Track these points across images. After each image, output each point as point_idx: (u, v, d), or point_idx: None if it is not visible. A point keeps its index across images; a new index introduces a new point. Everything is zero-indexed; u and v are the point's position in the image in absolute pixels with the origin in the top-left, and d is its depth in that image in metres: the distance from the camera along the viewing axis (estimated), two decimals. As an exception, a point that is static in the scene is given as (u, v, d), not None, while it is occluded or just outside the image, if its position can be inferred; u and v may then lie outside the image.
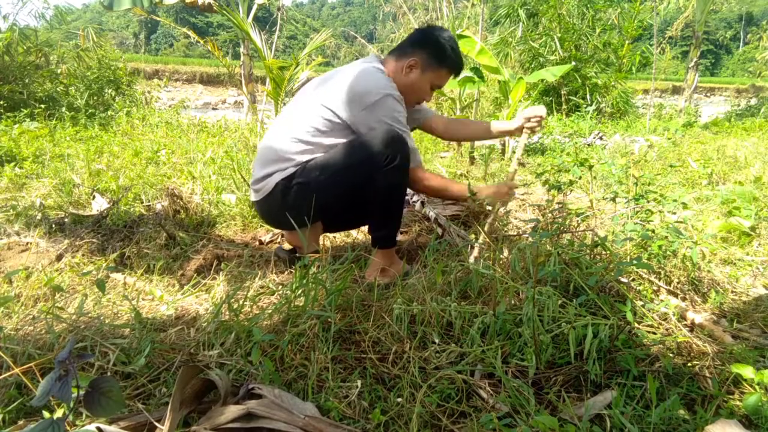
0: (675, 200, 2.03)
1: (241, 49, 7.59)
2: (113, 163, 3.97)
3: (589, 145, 6.32)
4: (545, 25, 10.50)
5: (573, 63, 8.50)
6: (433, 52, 1.96)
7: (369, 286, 1.75)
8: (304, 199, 1.86)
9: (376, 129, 1.81)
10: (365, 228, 2.58)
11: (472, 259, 1.94)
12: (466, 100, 5.85)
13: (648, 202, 2.09)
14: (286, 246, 2.27)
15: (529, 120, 2.17)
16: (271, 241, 2.50)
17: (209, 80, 30.08)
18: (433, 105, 7.55)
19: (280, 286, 1.81)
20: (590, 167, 2.46)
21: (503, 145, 5.77)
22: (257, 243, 2.49)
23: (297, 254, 2.12)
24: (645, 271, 1.82)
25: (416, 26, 9.43)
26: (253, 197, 2.02)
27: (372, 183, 1.82)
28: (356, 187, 1.85)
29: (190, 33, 7.27)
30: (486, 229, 2.06)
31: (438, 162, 4.85)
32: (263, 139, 2.02)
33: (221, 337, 1.39)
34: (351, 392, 1.20)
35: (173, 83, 27.25)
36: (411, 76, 1.97)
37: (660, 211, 2.04)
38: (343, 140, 1.88)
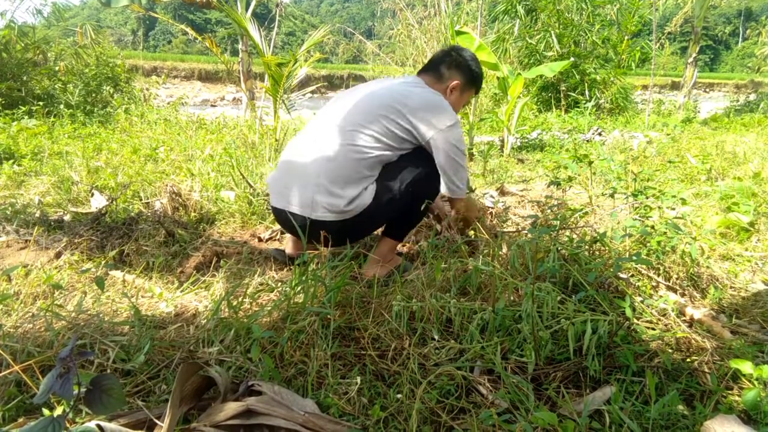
0: (674, 196, 2.03)
1: (240, 46, 7.57)
2: (112, 160, 3.96)
3: (588, 141, 6.32)
4: (544, 21, 10.47)
5: (572, 59, 8.48)
6: (468, 74, 2.09)
7: (368, 282, 1.75)
8: (391, 211, 1.93)
9: (448, 171, 1.95)
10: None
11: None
12: (465, 97, 5.83)
13: (647, 198, 2.09)
14: (284, 248, 2.27)
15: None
16: (270, 238, 2.50)
17: (208, 77, 29.98)
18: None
19: (280, 283, 1.81)
20: (589, 163, 2.46)
21: (502, 141, 5.76)
22: (256, 240, 2.49)
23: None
24: (644, 266, 1.82)
25: (414, 22, 9.41)
26: (329, 217, 1.83)
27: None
28: (422, 196, 1.93)
29: (189, 30, 7.23)
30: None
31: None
32: (317, 153, 1.86)
33: (221, 334, 1.39)
34: (351, 389, 1.20)
35: (171, 80, 27.18)
36: (452, 98, 2.07)
37: (659, 207, 2.04)
38: (407, 150, 1.93)
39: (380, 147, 1.84)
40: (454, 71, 2.07)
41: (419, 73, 2.11)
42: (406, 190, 1.89)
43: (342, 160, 1.81)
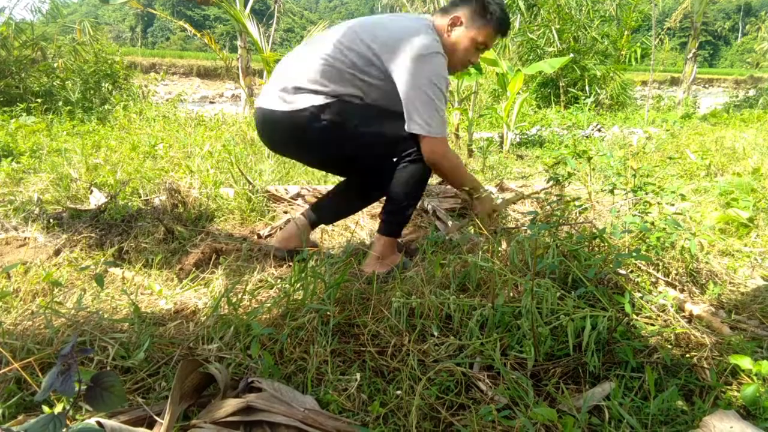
0: (673, 192, 2.03)
1: (238, 42, 7.56)
2: (111, 157, 3.95)
3: (587, 137, 6.31)
4: (544, 17, 10.46)
5: (572, 55, 8.47)
6: (478, 7, 1.86)
7: (368, 279, 1.75)
8: (330, 140, 1.81)
9: (414, 102, 1.73)
10: (363, 222, 2.58)
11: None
12: (464, 93, 5.83)
13: (646, 193, 2.09)
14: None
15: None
16: (269, 235, 2.50)
17: (206, 74, 29.85)
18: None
19: (279, 280, 1.81)
20: (589, 159, 2.45)
21: (501, 137, 5.76)
22: (255, 237, 2.49)
23: (295, 248, 2.12)
24: (643, 262, 1.82)
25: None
26: (275, 106, 1.82)
27: (398, 165, 1.82)
28: (388, 157, 1.82)
29: (187, 26, 7.24)
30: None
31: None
32: (291, 54, 1.90)
33: (220, 330, 1.39)
34: (350, 385, 1.20)
35: (170, 77, 27.07)
36: (453, 34, 1.88)
37: (658, 203, 2.04)
38: (378, 84, 1.80)
39: (340, 60, 1.77)
40: (461, 5, 1.86)
41: (435, 13, 1.96)
42: (367, 137, 1.80)
43: (299, 61, 1.83)
